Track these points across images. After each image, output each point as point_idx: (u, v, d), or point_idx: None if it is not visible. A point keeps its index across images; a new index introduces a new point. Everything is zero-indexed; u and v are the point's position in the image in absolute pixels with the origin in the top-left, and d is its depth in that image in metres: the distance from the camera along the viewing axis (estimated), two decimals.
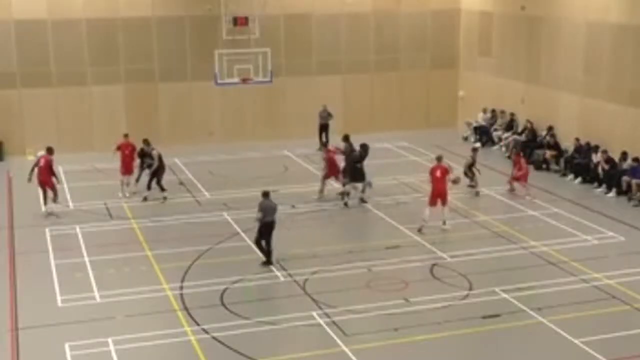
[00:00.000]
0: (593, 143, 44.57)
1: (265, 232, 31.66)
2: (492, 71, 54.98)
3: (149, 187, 40.42)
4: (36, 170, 38.83)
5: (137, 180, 41.21)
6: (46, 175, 38.54)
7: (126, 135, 40.89)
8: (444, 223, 35.76)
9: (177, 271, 31.88)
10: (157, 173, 40.30)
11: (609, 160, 42.34)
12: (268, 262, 31.79)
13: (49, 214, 38.64)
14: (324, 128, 51.89)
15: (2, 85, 49.42)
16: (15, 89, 49.84)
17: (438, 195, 35.55)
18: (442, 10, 57.10)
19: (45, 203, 38.94)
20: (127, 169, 40.37)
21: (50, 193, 38.69)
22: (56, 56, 50.26)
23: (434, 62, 57.74)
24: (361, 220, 37.92)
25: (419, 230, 35.36)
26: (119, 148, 40.55)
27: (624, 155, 42.00)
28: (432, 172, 36.05)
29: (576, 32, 46.81)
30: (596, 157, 43.53)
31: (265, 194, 32.05)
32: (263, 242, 31.87)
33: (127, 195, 40.00)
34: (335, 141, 45.19)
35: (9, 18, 48.84)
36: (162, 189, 40.56)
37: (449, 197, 36.30)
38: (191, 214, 39.26)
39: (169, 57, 52.18)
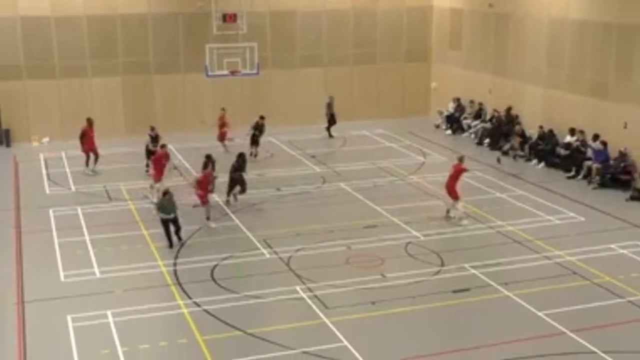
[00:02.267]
0: (556, 131, 44.72)
1: (168, 226, 31.86)
2: (462, 64, 55.02)
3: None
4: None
5: (148, 166, 40.80)
6: (91, 143, 42.90)
7: (163, 146, 40.46)
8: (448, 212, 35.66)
9: (171, 249, 31.89)
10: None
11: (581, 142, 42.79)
12: (171, 245, 31.94)
13: (93, 173, 42.79)
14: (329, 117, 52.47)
15: (8, 77, 49.30)
16: (21, 81, 49.71)
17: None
18: (415, 7, 57.14)
19: (87, 165, 43.00)
20: (159, 175, 39.56)
21: (92, 157, 43.10)
22: (59, 50, 50.18)
23: (408, 55, 57.73)
24: (341, 201, 37.86)
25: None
26: (157, 158, 39.17)
27: (595, 137, 41.84)
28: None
29: (539, 28, 46.88)
30: (570, 139, 43.72)
31: (165, 194, 31.99)
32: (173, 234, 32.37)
33: (154, 200, 39.10)
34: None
35: (15, 15, 48.73)
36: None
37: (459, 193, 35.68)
38: (183, 195, 38.95)
39: (163, 51, 52.14)
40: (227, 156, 40.93)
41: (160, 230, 32.23)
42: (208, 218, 34.22)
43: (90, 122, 43.38)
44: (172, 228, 31.85)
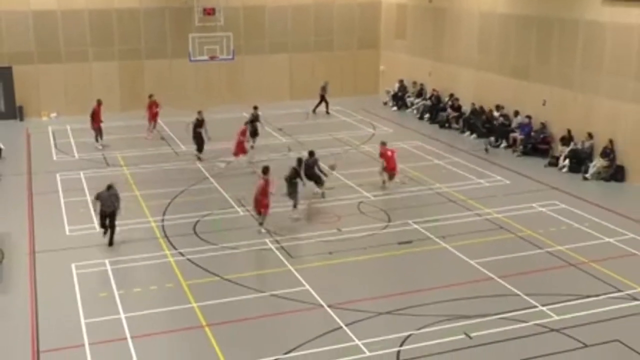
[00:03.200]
0: (486, 107, 44.87)
1: (105, 218, 27.24)
2: (406, 51, 54.82)
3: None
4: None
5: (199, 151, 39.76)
6: (98, 121, 41.91)
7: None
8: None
9: (159, 207, 31.88)
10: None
11: (504, 116, 43.06)
12: (110, 242, 27.49)
13: (102, 147, 41.71)
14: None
15: (22, 62, 49.37)
16: (32, 65, 49.74)
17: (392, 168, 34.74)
18: (366, 2, 57.05)
19: (97, 140, 42.02)
20: (240, 150, 38.30)
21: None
22: (64, 39, 50.11)
23: (360, 43, 57.56)
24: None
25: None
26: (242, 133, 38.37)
27: (516, 113, 42.45)
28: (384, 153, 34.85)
29: (471, 21, 46.78)
30: (496, 114, 43.85)
31: (109, 187, 27.31)
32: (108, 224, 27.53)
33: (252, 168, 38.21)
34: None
35: (27, 9, 48.86)
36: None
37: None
38: (170, 162, 39.17)
39: (153, 39, 52.02)
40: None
41: (151, 190, 32.07)
42: (261, 224, 29.00)
43: (99, 102, 42.29)
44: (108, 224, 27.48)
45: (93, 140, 42.18)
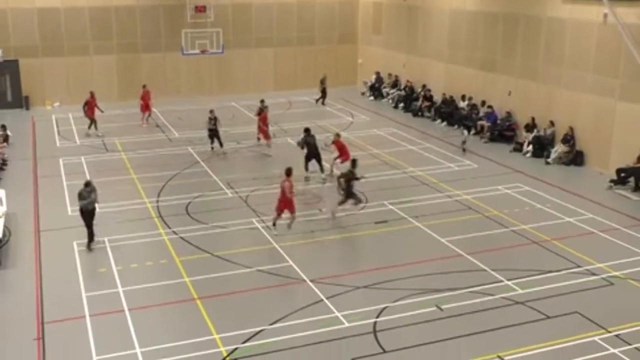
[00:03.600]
0: (456, 96, 44.88)
1: (85, 217, 25.32)
2: (382, 45, 54.67)
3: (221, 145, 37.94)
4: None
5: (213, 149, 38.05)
6: (92, 111, 41.56)
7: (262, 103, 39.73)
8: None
9: (154, 189, 31.82)
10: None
11: (472, 106, 43.12)
12: (89, 245, 25.39)
13: (94, 136, 41.25)
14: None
15: (28, 55, 49.27)
16: (37, 58, 49.61)
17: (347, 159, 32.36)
18: (345, 1, 56.91)
19: (89, 128, 41.70)
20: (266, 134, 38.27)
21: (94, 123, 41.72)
22: (67, 34, 49.99)
23: (340, 38, 57.38)
24: (287, 153, 37.41)
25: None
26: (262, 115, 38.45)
27: (482, 102, 42.54)
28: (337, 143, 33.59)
29: (442, 17, 46.66)
30: (462, 104, 43.97)
31: (87, 184, 25.38)
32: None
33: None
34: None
35: (33, 7, 48.79)
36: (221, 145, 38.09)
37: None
38: (164, 147, 39.06)
39: (148, 34, 51.81)
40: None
41: (147, 174, 32.00)
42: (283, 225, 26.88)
43: (92, 94, 42.03)
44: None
45: (86, 128, 41.96)
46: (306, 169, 33.48)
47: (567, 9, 36.38)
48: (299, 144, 34.09)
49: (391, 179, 33.40)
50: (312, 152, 33.39)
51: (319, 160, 33.49)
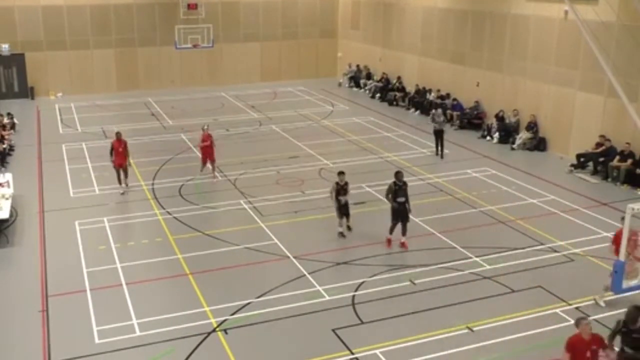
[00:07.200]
0: (428, 88, 44.85)
1: None
2: (360, 39, 54.55)
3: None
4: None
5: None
6: (122, 158, 28.81)
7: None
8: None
9: (150, 173, 31.82)
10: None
11: (441, 97, 42.97)
12: None
13: (127, 188, 29.51)
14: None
15: (33, 49, 49.18)
16: (42, 52, 49.42)
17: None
18: None
19: (120, 183, 29.07)
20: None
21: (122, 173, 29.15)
22: (69, 29, 49.69)
23: (321, 33, 57.26)
24: (272, 139, 37.52)
25: None
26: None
27: (447, 95, 42.57)
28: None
29: (415, 14, 46.59)
30: (430, 96, 43.84)
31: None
32: None
33: None
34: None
35: (37, 5, 48.57)
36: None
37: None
38: (159, 134, 38.94)
39: (144, 30, 51.61)
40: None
41: (143, 159, 32.00)
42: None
43: (118, 136, 28.99)
44: None
45: (117, 184, 29.45)
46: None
47: (530, 6, 36.41)
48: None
49: (369, 163, 33.37)
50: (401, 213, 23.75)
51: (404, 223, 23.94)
